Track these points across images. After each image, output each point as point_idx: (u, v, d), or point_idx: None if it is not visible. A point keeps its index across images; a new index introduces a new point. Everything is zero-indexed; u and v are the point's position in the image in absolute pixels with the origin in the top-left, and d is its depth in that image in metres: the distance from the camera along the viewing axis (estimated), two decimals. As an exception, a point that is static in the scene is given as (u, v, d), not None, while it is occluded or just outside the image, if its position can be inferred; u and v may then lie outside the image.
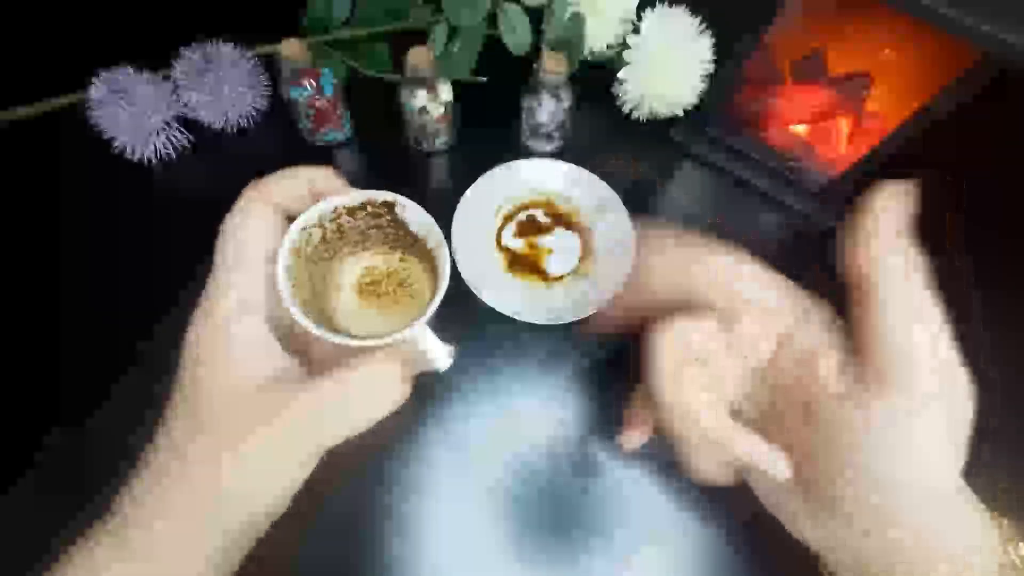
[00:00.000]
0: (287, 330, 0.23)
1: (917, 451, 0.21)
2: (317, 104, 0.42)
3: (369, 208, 0.25)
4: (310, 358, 0.23)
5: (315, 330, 0.22)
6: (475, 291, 0.39)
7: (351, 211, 0.25)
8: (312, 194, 0.24)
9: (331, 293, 0.27)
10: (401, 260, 0.29)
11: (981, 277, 0.45)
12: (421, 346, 0.25)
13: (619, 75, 0.46)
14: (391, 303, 0.28)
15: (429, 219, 0.25)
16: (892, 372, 0.21)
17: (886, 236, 0.21)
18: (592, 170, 0.45)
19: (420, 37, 0.46)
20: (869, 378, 0.21)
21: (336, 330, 0.23)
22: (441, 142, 0.46)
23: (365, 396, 0.21)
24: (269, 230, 0.23)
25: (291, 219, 0.23)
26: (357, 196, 0.24)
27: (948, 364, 0.21)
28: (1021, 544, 0.22)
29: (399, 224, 0.26)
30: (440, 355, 0.25)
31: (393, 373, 0.21)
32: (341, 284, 0.28)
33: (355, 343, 0.22)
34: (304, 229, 0.24)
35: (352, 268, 0.28)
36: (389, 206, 0.25)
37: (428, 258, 0.27)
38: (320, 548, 0.33)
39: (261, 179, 0.23)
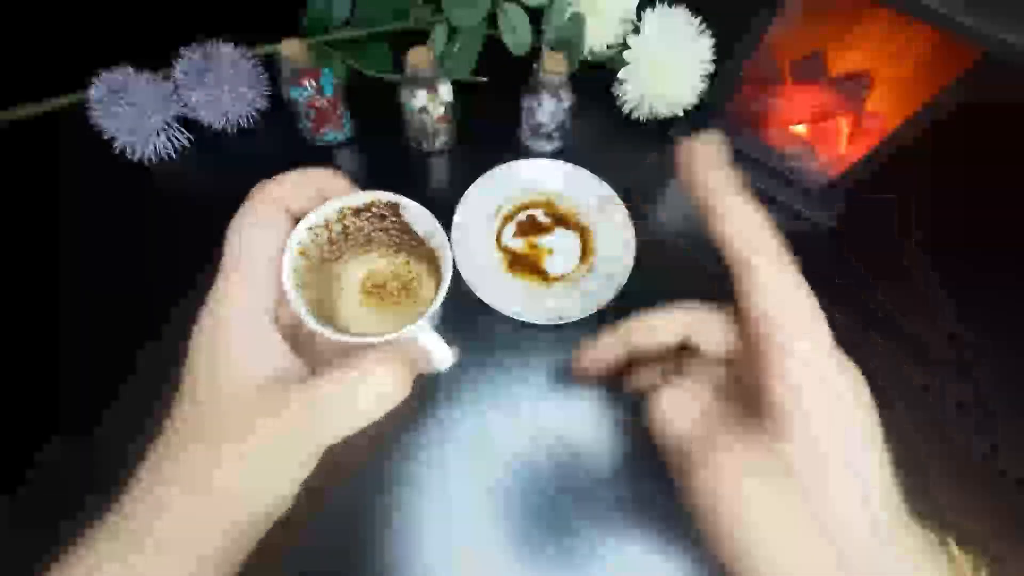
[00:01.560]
0: (292, 329, 0.23)
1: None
2: (317, 104, 0.42)
3: (374, 209, 0.25)
4: (314, 358, 0.23)
5: (319, 328, 0.22)
6: (475, 291, 0.39)
7: (356, 212, 0.25)
8: (319, 195, 0.24)
9: (336, 294, 0.28)
10: (405, 262, 0.29)
11: (980, 278, 0.45)
12: (423, 345, 0.25)
13: (619, 75, 0.46)
14: (394, 304, 0.28)
15: (433, 221, 0.25)
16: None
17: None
18: (592, 170, 0.45)
19: (420, 37, 0.46)
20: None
21: (340, 330, 0.23)
22: (441, 142, 0.46)
23: (364, 394, 0.21)
24: (276, 230, 0.23)
25: (298, 220, 0.24)
26: (362, 197, 0.25)
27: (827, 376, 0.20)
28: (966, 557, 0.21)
29: (403, 226, 0.26)
30: (442, 355, 0.25)
31: (393, 371, 0.21)
32: (346, 285, 0.28)
33: (357, 340, 0.22)
34: (310, 229, 0.24)
35: (357, 269, 0.28)
36: (394, 207, 0.25)
37: (431, 259, 0.27)
38: (320, 548, 0.33)
39: (268, 180, 0.23)
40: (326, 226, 0.25)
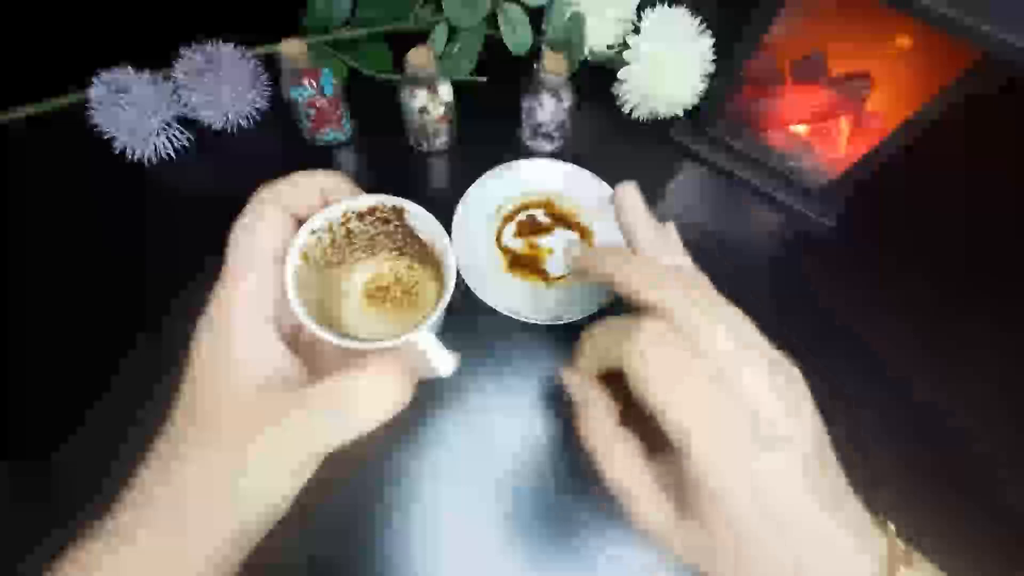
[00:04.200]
0: (293, 333, 0.23)
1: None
2: (317, 104, 0.42)
3: (378, 213, 0.25)
4: (315, 361, 0.23)
5: (319, 332, 0.22)
6: (475, 291, 0.39)
7: (360, 215, 0.25)
8: (322, 198, 0.24)
9: (339, 297, 0.27)
10: (409, 267, 0.29)
11: (981, 276, 0.45)
12: (424, 351, 0.24)
13: (619, 75, 0.46)
14: (397, 309, 0.28)
15: (437, 225, 0.25)
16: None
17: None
18: (592, 170, 0.45)
19: (420, 37, 0.46)
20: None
21: (342, 334, 0.22)
22: (441, 142, 0.46)
23: (366, 402, 0.21)
24: (279, 232, 0.23)
25: (301, 222, 0.23)
26: (366, 200, 0.24)
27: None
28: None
29: (408, 230, 0.26)
30: (443, 361, 0.24)
31: (395, 379, 0.21)
32: (349, 289, 0.28)
33: (358, 345, 0.22)
34: (313, 232, 0.24)
35: (360, 273, 0.28)
36: (398, 212, 0.25)
37: (435, 264, 0.27)
38: (319, 548, 0.33)
39: (272, 181, 0.23)
40: (329, 229, 0.24)
